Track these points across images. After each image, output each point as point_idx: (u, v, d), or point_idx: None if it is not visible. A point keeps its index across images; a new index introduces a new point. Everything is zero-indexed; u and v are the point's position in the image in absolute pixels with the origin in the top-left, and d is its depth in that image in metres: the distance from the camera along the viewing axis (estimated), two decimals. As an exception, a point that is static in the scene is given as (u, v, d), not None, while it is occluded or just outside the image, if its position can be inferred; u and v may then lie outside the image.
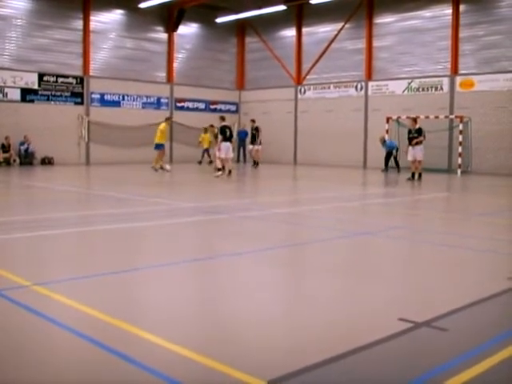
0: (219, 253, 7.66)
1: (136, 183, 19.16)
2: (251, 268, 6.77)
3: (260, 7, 30.27)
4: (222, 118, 22.21)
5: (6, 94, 26.83)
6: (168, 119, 24.57)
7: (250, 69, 35.60)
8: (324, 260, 7.24)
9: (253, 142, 27.45)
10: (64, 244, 8.17)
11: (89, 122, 29.35)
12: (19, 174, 22.86)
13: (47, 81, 28.17)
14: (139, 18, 30.85)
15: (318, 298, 5.47)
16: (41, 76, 27.94)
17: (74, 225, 9.83)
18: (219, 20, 32.98)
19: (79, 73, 29.24)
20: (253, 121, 27.85)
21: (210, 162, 28.29)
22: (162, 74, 32.50)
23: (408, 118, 22.01)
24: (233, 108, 35.58)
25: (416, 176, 20.45)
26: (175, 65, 32.89)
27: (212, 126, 27.92)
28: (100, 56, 30.01)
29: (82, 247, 7.93)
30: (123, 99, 30.81)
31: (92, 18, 29.34)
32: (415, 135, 20.39)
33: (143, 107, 31.50)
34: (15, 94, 27.19)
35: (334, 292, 5.71)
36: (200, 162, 29.87)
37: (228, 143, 20.86)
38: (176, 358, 3.85)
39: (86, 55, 29.29)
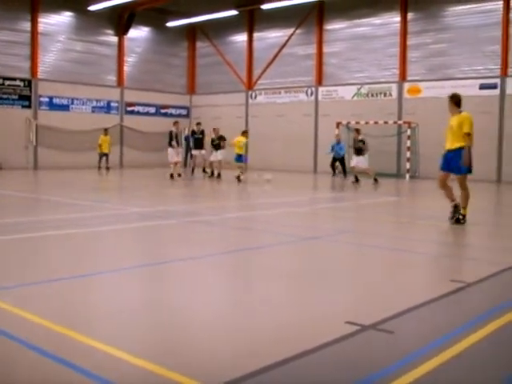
0: (168, 258, 7.62)
1: (84, 188, 18.92)
2: (201, 273, 6.75)
3: (211, 12, 30.30)
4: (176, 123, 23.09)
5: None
6: (245, 132, 24.05)
7: (201, 73, 35.56)
8: (274, 264, 7.27)
9: (199, 147, 24.80)
10: (8, 250, 8.01)
11: (37, 125, 28.87)
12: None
13: (-6, 83, 27.64)
14: (89, 21, 30.55)
15: (267, 302, 5.49)
16: (-13, 78, 27.40)
17: (19, 231, 9.63)
18: (170, 24, 32.89)
19: (27, 75, 28.74)
20: (198, 124, 25.84)
21: (107, 169, 27.82)
22: (112, 78, 32.21)
23: (356, 125, 22.44)
24: (184, 112, 35.48)
25: (372, 181, 21.77)
26: (125, 68, 32.65)
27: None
28: (49, 59, 29.59)
29: (28, 253, 7.78)
30: (72, 103, 30.41)
31: (40, 19, 28.94)
32: (360, 145, 21.64)
33: (93, 111, 31.15)
34: (-40, 97, 26.58)
35: (283, 296, 5.74)
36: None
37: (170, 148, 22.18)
38: (123, 365, 3.81)
39: (34, 58, 28.84)
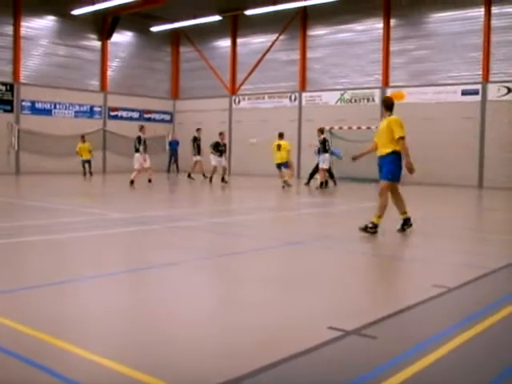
0: (151, 263, 7.60)
1: (67, 193, 18.85)
2: (183, 278, 6.75)
3: (195, 17, 30.32)
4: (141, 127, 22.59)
5: None
6: (282, 135, 22.97)
7: (184, 78, 35.54)
8: (255, 269, 7.28)
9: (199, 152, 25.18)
10: None
11: (19, 130, 28.69)
12: None
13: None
14: (72, 25, 30.45)
15: (249, 306, 5.50)
16: (-32, 82, 27.24)
17: None
18: (154, 29, 32.86)
19: (9, 79, 28.57)
20: (198, 129, 26.07)
21: (91, 174, 27.51)
22: (95, 83, 32.10)
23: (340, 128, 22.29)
24: (167, 117, 35.44)
25: (323, 184, 21.85)
26: (109, 73, 32.56)
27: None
28: (31, 63, 29.45)
29: (8, 259, 7.73)
30: (55, 107, 30.27)
31: (23, 23, 28.82)
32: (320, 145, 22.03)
33: (76, 116, 31.01)
34: None
35: (264, 301, 5.74)
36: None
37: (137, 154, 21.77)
38: (103, 371, 3.80)
39: (16, 61, 28.68)
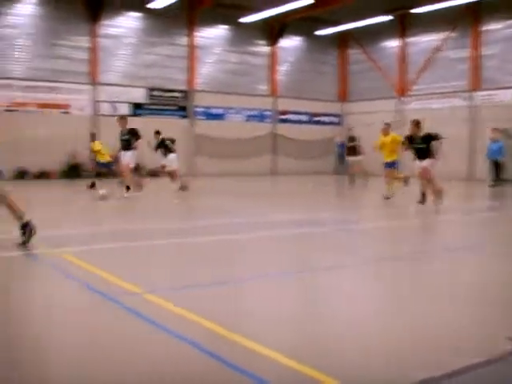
0: (320, 266, 7.65)
1: (235, 194, 19.45)
2: (351, 281, 6.76)
3: (362, 18, 30.10)
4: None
5: (117, 108, 27.96)
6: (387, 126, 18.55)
7: (352, 80, 35.41)
8: (421, 276, 7.12)
9: (353, 153, 23.64)
10: (171, 254, 8.43)
11: (194, 134, 30.11)
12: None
13: (155, 95, 29.20)
14: (242, 33, 31.43)
15: (423, 314, 5.37)
16: (149, 91, 29.00)
17: (184, 235, 10.06)
18: (320, 32, 33.04)
19: (184, 87, 30.10)
20: (350, 129, 25.63)
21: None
22: (264, 87, 32.90)
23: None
24: (335, 120, 35.50)
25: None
26: (278, 77, 33.22)
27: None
28: (204, 70, 30.77)
29: (187, 257, 8.11)
30: (227, 112, 31.43)
31: (196, 33, 30.17)
32: (420, 144, 14.86)
33: (247, 120, 32.00)
34: (124, 109, 28.29)
35: (432, 310, 5.58)
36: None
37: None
38: (281, 368, 3.93)
39: (191, 70, 30.13)
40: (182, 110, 30.08)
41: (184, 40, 30.02)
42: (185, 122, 30.07)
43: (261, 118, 32.66)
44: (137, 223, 11.71)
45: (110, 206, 14.96)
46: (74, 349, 4.32)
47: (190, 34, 30.05)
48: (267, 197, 19.36)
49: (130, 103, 28.61)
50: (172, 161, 19.25)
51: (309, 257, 8.40)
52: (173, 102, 29.83)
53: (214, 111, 31.04)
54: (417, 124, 15.10)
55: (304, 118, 34.18)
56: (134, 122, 28.37)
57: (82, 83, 27.42)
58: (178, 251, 8.67)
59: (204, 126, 30.50)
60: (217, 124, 30.96)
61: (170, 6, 27.02)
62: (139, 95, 28.88)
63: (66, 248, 8.16)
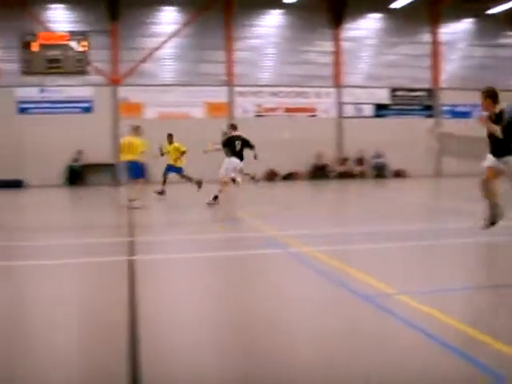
0: None
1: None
2: None
3: None
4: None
5: (361, 109, 28.10)
6: None
7: None
8: None
9: None
10: (421, 256, 8.02)
11: (440, 134, 29.17)
12: (372, 187, 23.61)
13: (398, 95, 28.87)
14: (487, 25, 29.92)
15: None
16: (392, 91, 28.75)
17: (415, 238, 9.36)
18: None
19: (428, 85, 29.37)
20: None
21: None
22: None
23: None
24: None
25: None
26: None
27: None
28: (448, 67, 29.77)
29: (435, 261, 7.69)
30: (473, 110, 30.03)
31: (440, 30, 29.34)
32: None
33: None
34: (369, 110, 28.33)
35: None
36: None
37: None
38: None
39: (435, 67, 29.33)
40: (427, 109, 29.35)
41: (427, 37, 29.33)
42: (429, 121, 29.25)
43: None
44: (375, 225, 11.31)
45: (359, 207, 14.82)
46: (331, 339, 4.39)
47: (432, 31, 29.29)
48: None
49: (374, 104, 28.58)
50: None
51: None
52: (417, 102, 29.24)
53: (460, 109, 29.81)
54: None
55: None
56: (376, 123, 28.54)
57: (327, 87, 27.97)
58: (424, 253, 8.21)
59: (449, 125, 29.38)
60: (462, 122, 29.65)
61: (410, 3, 26.67)
62: (382, 96, 28.75)
63: (318, 247, 8.19)
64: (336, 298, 5.59)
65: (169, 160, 17.90)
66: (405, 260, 7.71)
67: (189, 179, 17.98)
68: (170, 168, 17.90)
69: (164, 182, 17.72)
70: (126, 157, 14.55)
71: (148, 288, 5.92)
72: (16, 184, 25.21)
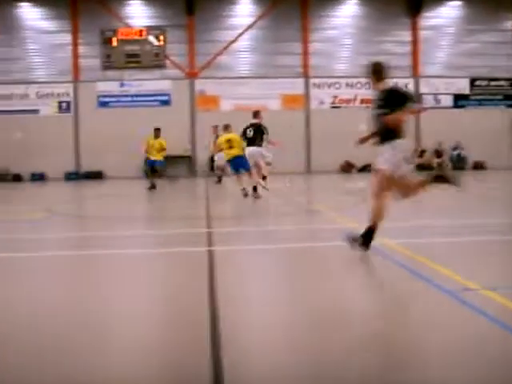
0: None
1: None
2: None
3: None
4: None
5: (439, 100, 27.52)
6: None
7: None
8: None
9: None
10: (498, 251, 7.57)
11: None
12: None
13: (478, 85, 28.11)
14: None
15: None
16: (472, 81, 28.01)
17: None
18: None
19: (510, 75, 28.45)
20: None
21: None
22: None
23: None
24: None
25: None
26: None
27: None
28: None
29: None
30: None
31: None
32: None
33: None
34: (447, 101, 27.71)
35: None
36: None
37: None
38: None
39: (517, 55, 28.41)
40: (509, 99, 28.42)
41: (509, 24, 28.39)
42: (511, 111, 28.33)
43: None
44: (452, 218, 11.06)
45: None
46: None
47: (516, 17, 28.36)
48: None
49: (453, 94, 27.91)
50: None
51: None
52: (498, 91, 28.37)
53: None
54: None
55: None
56: (455, 114, 27.86)
57: (405, 77, 27.48)
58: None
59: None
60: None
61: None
62: (462, 86, 28.04)
63: (398, 240, 7.91)
64: (419, 291, 5.45)
65: (153, 154, 18.79)
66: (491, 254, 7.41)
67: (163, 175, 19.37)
68: (154, 162, 18.77)
69: (153, 176, 18.78)
70: (233, 152, 15.00)
71: (227, 280, 5.89)
72: (97, 175, 26.01)
